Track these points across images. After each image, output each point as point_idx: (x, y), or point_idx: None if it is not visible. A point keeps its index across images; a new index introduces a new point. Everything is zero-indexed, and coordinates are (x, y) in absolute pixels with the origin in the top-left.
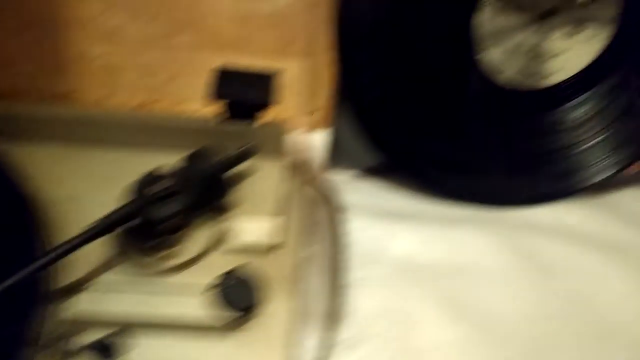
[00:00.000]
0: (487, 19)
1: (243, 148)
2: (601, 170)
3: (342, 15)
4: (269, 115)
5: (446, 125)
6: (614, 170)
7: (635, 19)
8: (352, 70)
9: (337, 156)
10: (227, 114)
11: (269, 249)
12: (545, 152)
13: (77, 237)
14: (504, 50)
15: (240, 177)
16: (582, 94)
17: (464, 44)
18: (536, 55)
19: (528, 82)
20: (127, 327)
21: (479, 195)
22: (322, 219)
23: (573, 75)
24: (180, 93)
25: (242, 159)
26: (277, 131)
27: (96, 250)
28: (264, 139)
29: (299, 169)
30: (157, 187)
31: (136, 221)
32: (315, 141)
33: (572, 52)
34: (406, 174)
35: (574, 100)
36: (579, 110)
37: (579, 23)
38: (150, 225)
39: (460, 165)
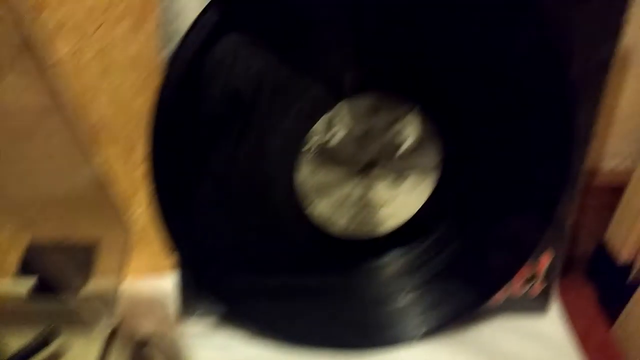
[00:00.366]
0: (308, 175)
1: (42, 333)
2: (416, 327)
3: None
4: (91, 285)
5: (281, 275)
6: (427, 329)
7: (455, 170)
8: (175, 227)
9: (187, 306)
10: (39, 289)
11: None
12: (370, 301)
13: None
14: (333, 202)
15: None
16: (405, 246)
17: (291, 201)
18: (365, 205)
19: (363, 231)
20: None
21: (320, 341)
22: None
23: (402, 225)
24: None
25: (41, 345)
26: (95, 304)
27: None
28: (80, 312)
29: (136, 329)
30: None
31: None
32: (162, 294)
33: (399, 201)
34: (247, 322)
35: (397, 251)
36: (400, 260)
37: (402, 172)
38: None
39: (298, 312)
